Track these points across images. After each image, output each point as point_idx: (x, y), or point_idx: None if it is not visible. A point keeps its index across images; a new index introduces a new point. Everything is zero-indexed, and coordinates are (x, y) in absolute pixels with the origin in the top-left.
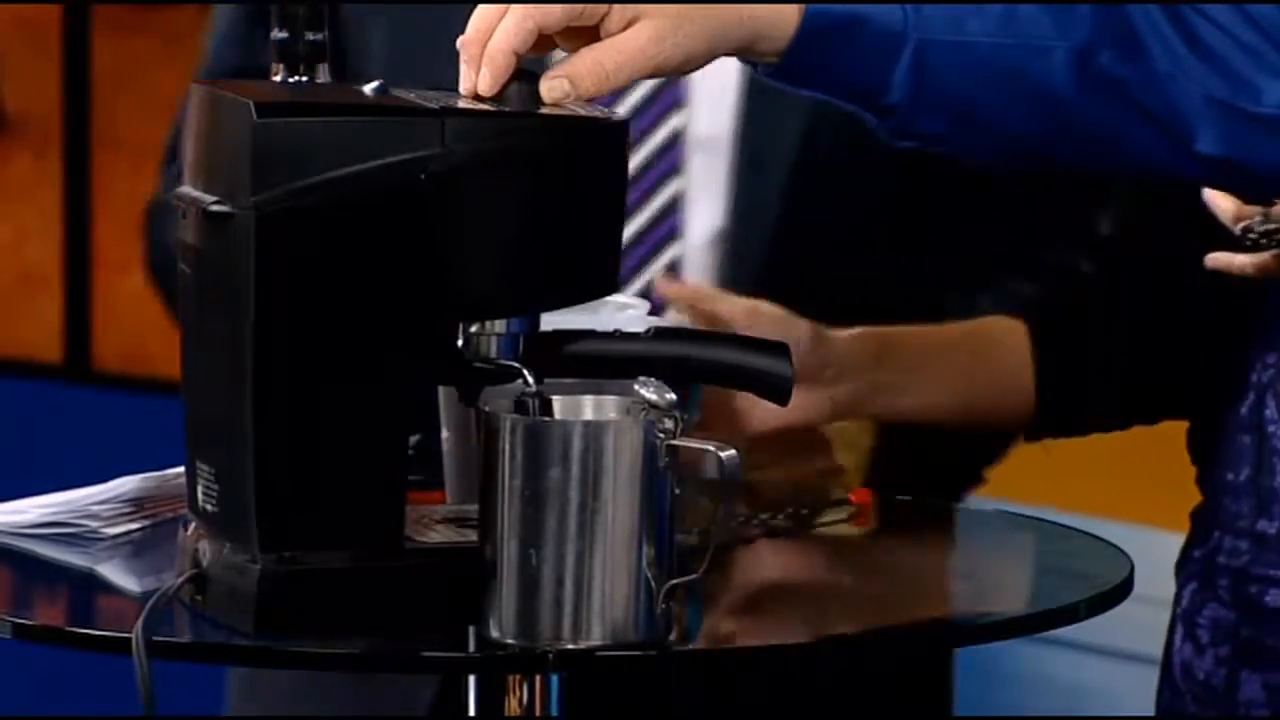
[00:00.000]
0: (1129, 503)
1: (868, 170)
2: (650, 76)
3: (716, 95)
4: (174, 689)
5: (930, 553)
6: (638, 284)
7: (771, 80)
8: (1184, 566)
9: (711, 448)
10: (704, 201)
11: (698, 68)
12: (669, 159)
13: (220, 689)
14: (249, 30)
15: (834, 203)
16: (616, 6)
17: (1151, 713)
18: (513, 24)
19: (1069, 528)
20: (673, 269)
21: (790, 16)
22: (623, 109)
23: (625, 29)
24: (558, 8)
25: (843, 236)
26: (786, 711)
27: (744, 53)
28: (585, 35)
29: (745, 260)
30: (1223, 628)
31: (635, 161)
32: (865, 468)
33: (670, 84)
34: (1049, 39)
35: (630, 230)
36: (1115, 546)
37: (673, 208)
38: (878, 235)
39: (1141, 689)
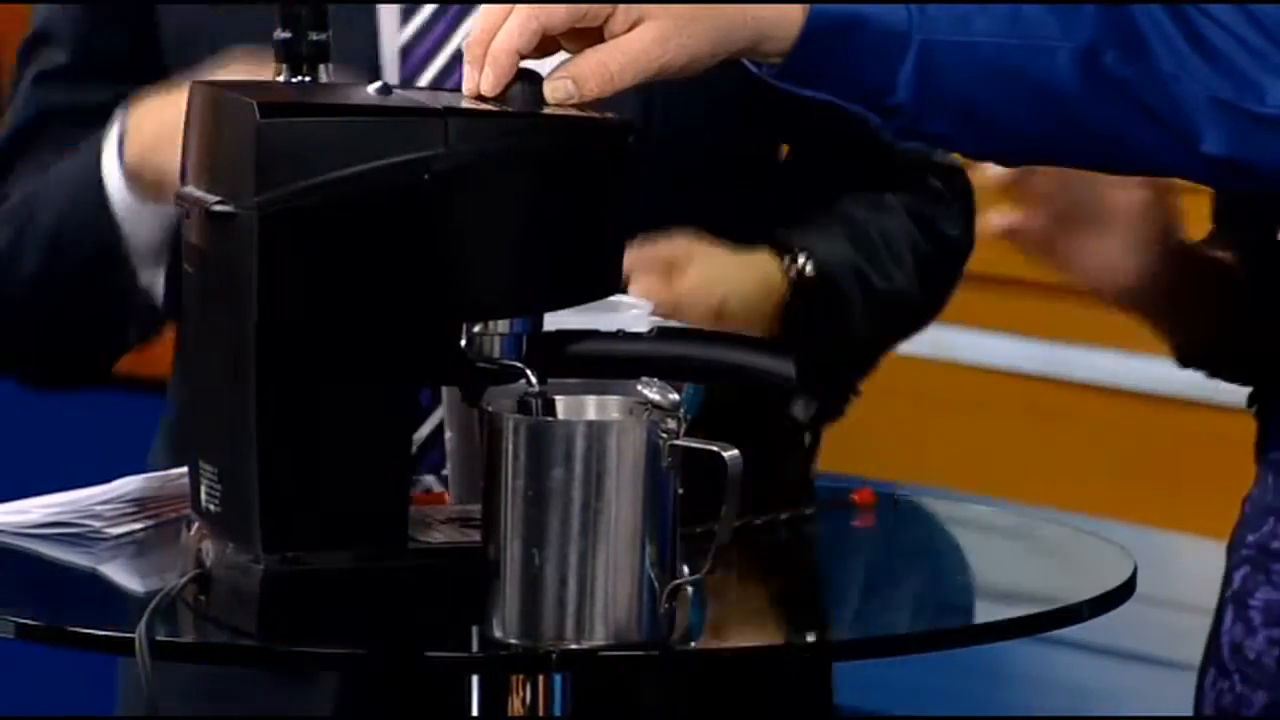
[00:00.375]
0: (1132, 503)
1: (689, 168)
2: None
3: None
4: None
5: (933, 553)
6: None
7: (776, 81)
8: (1235, 550)
9: (715, 448)
10: None
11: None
12: None
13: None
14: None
15: (655, 199)
16: (621, 7)
17: (1156, 712)
18: (517, 25)
19: (1072, 528)
20: None
21: (794, 17)
22: None
23: (629, 30)
24: (562, 8)
25: (676, 186)
26: (789, 711)
27: (748, 54)
28: (589, 37)
29: None
30: (1275, 611)
31: None
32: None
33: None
34: (1053, 39)
35: None
36: (1119, 547)
37: None
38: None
39: (1145, 689)
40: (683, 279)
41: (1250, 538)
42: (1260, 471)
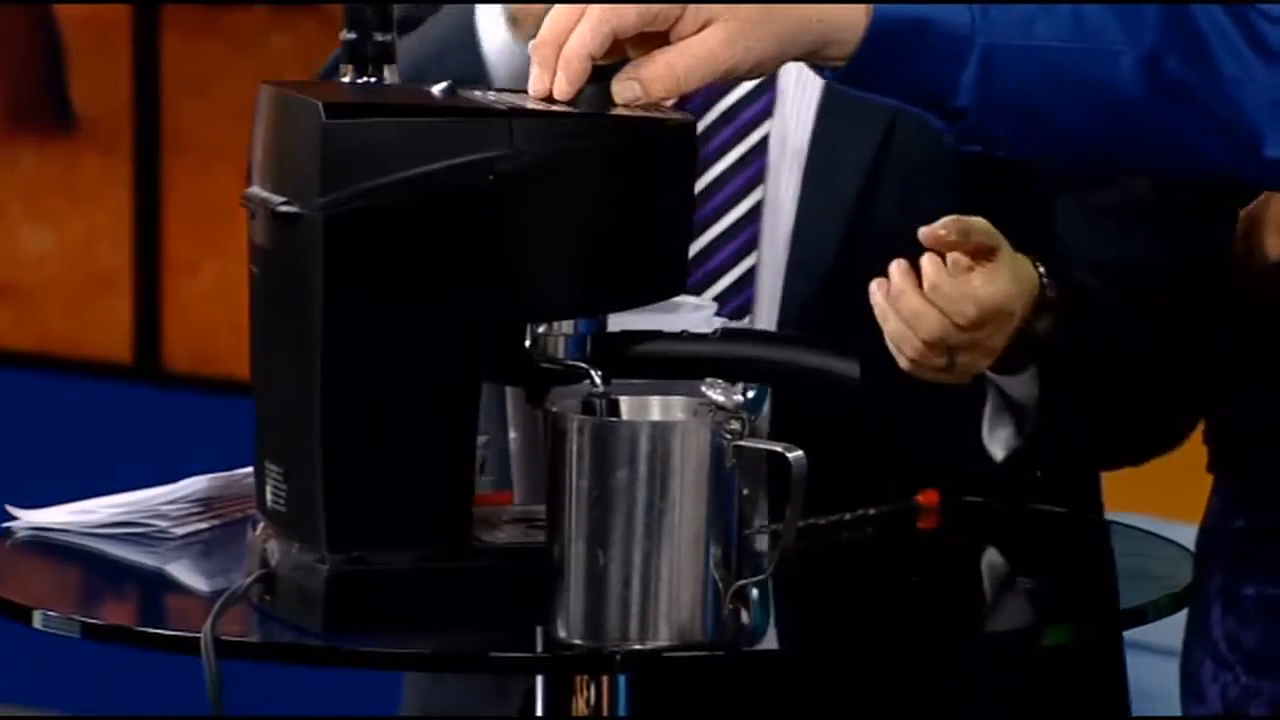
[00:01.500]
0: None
1: (934, 189)
2: (721, 80)
3: (800, 106)
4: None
5: (997, 555)
6: (715, 289)
7: (840, 85)
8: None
9: (779, 449)
10: (783, 209)
11: (768, 72)
12: (755, 166)
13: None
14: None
15: (899, 219)
16: (690, 9)
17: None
18: (589, 29)
19: (1136, 529)
20: (749, 278)
21: (858, 20)
22: (714, 114)
23: (697, 33)
24: (632, 10)
25: (904, 252)
26: (855, 712)
27: (813, 57)
28: (655, 41)
29: (809, 270)
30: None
31: (722, 167)
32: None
33: (761, 91)
34: (1116, 43)
35: (712, 235)
36: (1183, 548)
37: (755, 215)
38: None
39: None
40: (989, 270)
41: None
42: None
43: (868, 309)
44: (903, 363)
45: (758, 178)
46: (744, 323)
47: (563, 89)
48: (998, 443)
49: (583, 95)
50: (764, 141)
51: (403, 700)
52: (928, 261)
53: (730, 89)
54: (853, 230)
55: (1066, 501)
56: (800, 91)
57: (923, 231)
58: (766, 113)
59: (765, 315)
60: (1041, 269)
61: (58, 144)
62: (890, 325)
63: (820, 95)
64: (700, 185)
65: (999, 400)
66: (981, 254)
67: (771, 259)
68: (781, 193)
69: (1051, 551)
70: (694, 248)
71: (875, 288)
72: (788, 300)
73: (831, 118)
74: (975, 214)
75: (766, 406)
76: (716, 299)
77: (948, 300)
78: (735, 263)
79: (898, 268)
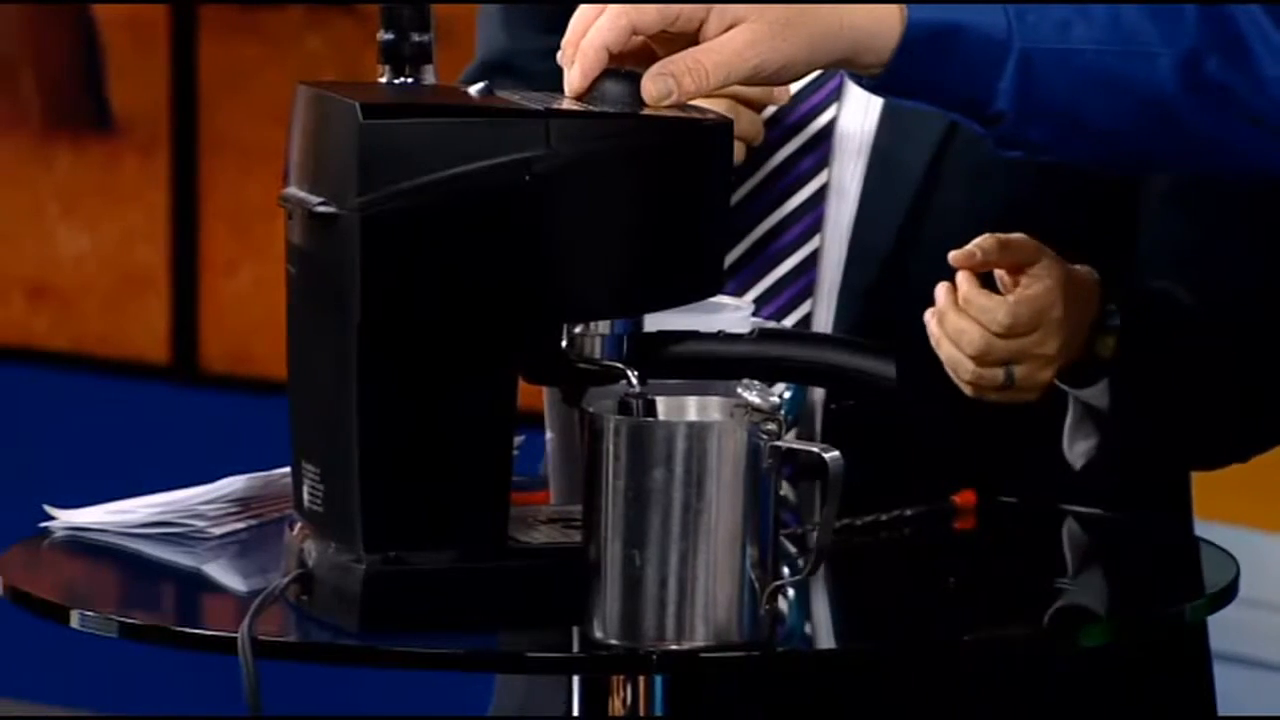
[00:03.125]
0: (1234, 506)
1: (998, 182)
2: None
3: (867, 93)
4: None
5: (1033, 556)
6: (777, 274)
7: (875, 92)
8: None
9: (816, 449)
10: (846, 196)
11: (797, 76)
12: (820, 152)
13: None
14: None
15: (961, 211)
16: (715, 10)
17: (1257, 714)
18: (606, 21)
19: (1174, 530)
20: (810, 261)
21: (892, 26)
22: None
23: (723, 34)
24: (652, 8)
25: (964, 242)
26: (891, 713)
27: (846, 65)
28: (683, 43)
29: (868, 260)
30: None
31: (787, 152)
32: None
33: (829, 77)
34: (1154, 45)
35: (776, 219)
36: (1221, 549)
37: (818, 200)
38: None
39: (1248, 692)
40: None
41: None
42: None
43: (926, 299)
44: (964, 388)
45: (822, 163)
46: (805, 309)
47: (575, 79)
48: (1078, 453)
49: (616, 95)
50: (829, 127)
51: (494, 701)
52: (960, 278)
53: None
54: (914, 219)
55: (1151, 508)
56: None
57: (953, 255)
58: (834, 97)
59: (825, 301)
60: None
61: (95, 145)
62: (944, 350)
63: None
64: (764, 170)
65: (1080, 410)
66: (1019, 269)
67: (833, 245)
68: (845, 179)
69: (1089, 552)
70: (757, 232)
71: (928, 315)
72: (847, 288)
73: (894, 110)
74: (1042, 205)
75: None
76: (778, 284)
77: (981, 310)
78: (797, 248)
79: (941, 289)
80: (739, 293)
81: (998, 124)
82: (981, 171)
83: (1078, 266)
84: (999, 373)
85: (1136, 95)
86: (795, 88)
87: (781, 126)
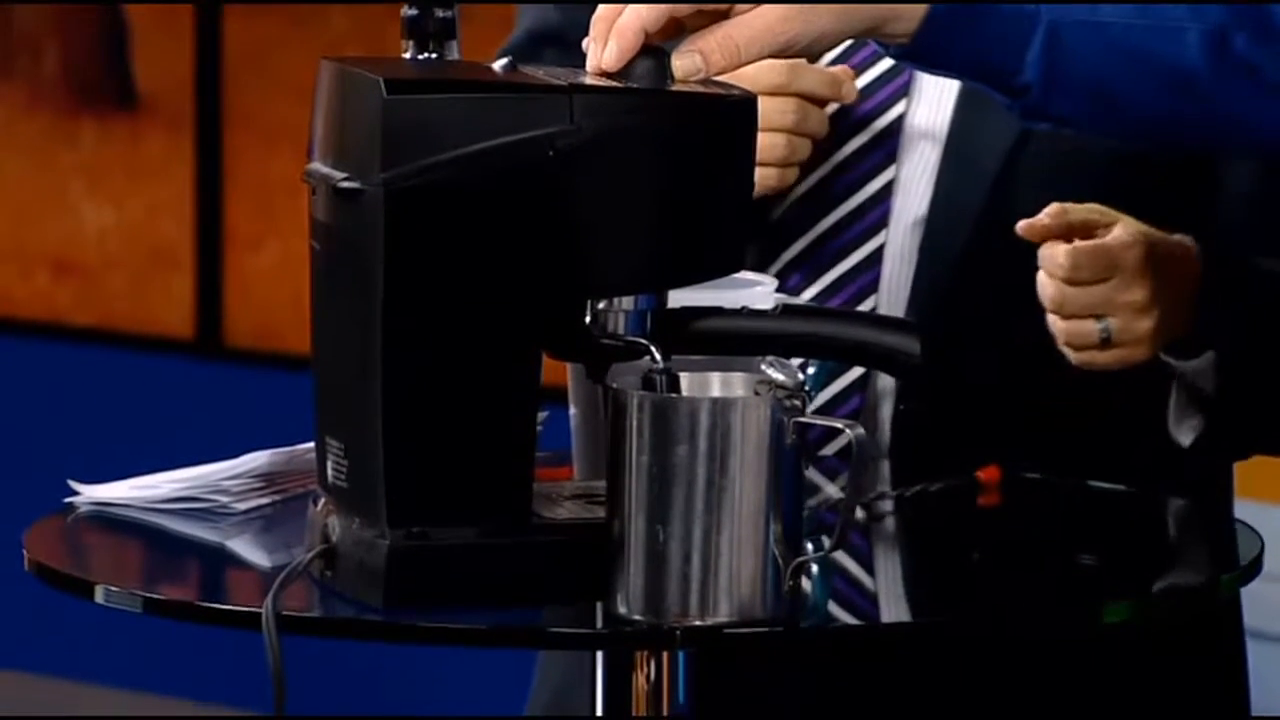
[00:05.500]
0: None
1: (1075, 177)
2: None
3: (939, 88)
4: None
5: (1058, 532)
6: (842, 268)
7: (902, 61)
8: None
9: (840, 425)
10: (914, 191)
11: (829, 47)
12: (887, 147)
13: None
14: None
15: (1036, 205)
16: None
17: None
18: (645, 3)
19: (1199, 507)
20: (876, 257)
21: None
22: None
23: (754, 9)
24: None
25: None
26: (918, 691)
27: (874, 34)
28: (713, 20)
29: (941, 252)
30: None
31: (855, 145)
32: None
33: (898, 73)
34: (1183, 20)
35: (841, 214)
36: (1246, 525)
37: (884, 195)
38: None
39: (1273, 668)
40: (1108, 227)
41: None
42: None
43: (999, 296)
44: (1069, 355)
45: (889, 158)
46: (869, 305)
47: (611, 58)
48: (1185, 432)
49: (643, 71)
50: (898, 121)
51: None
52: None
53: (872, 64)
54: (988, 216)
55: (1196, 487)
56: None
57: (1021, 225)
58: (902, 93)
59: (890, 296)
60: (1198, 249)
61: (120, 121)
62: (1051, 320)
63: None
64: (830, 164)
65: (1184, 392)
66: (1090, 233)
67: (899, 240)
68: (914, 174)
69: (1114, 529)
70: (821, 226)
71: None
72: (917, 284)
73: (973, 99)
74: (1120, 205)
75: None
76: (842, 278)
77: (1045, 259)
78: (862, 243)
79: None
80: (803, 287)
81: (1024, 96)
82: (1057, 169)
83: (1171, 235)
84: (1089, 325)
85: (1164, 70)
86: (862, 82)
87: (848, 121)
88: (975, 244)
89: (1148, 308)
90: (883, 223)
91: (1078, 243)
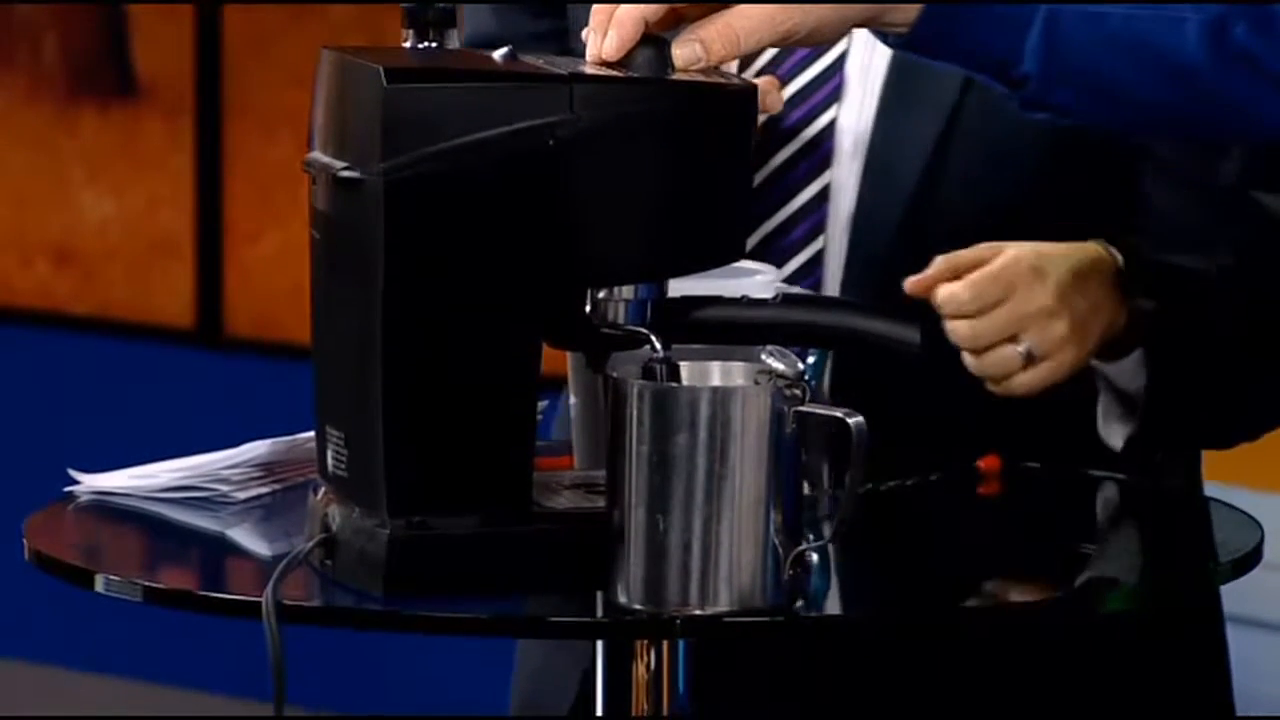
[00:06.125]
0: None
1: (996, 182)
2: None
3: (864, 91)
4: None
5: (1057, 521)
6: (785, 271)
7: (902, 50)
8: None
9: (840, 414)
10: (846, 195)
11: (828, 38)
12: (820, 152)
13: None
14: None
15: (961, 207)
16: None
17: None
18: None
19: (1200, 495)
20: (815, 262)
21: None
22: (784, 96)
23: None
24: None
25: (966, 242)
26: (918, 680)
27: (873, 23)
28: (705, 10)
29: (869, 261)
30: None
31: (791, 150)
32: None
33: (830, 75)
34: (1182, 10)
35: (781, 218)
36: (1245, 514)
37: (820, 200)
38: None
39: (1274, 656)
40: (995, 257)
41: None
42: None
43: (924, 302)
44: (995, 390)
45: (824, 164)
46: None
47: (611, 48)
48: (1115, 434)
49: (642, 61)
50: (829, 127)
51: (516, 666)
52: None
53: (800, 72)
54: (913, 218)
55: (1166, 474)
56: (864, 77)
57: (908, 283)
58: (835, 97)
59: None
60: (1114, 251)
61: (119, 109)
62: (968, 361)
63: (884, 82)
64: (766, 171)
65: (1111, 393)
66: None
67: (836, 245)
68: (845, 179)
69: (1113, 518)
70: (761, 232)
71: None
72: (848, 288)
73: (893, 104)
74: (1047, 200)
75: (828, 373)
76: (786, 282)
77: (947, 303)
78: (802, 247)
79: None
80: None
81: (1023, 86)
82: (981, 170)
83: (1076, 244)
84: (1009, 350)
85: (1163, 60)
86: (790, 90)
87: (779, 130)
88: (899, 250)
89: (1057, 310)
90: (820, 228)
91: (970, 275)
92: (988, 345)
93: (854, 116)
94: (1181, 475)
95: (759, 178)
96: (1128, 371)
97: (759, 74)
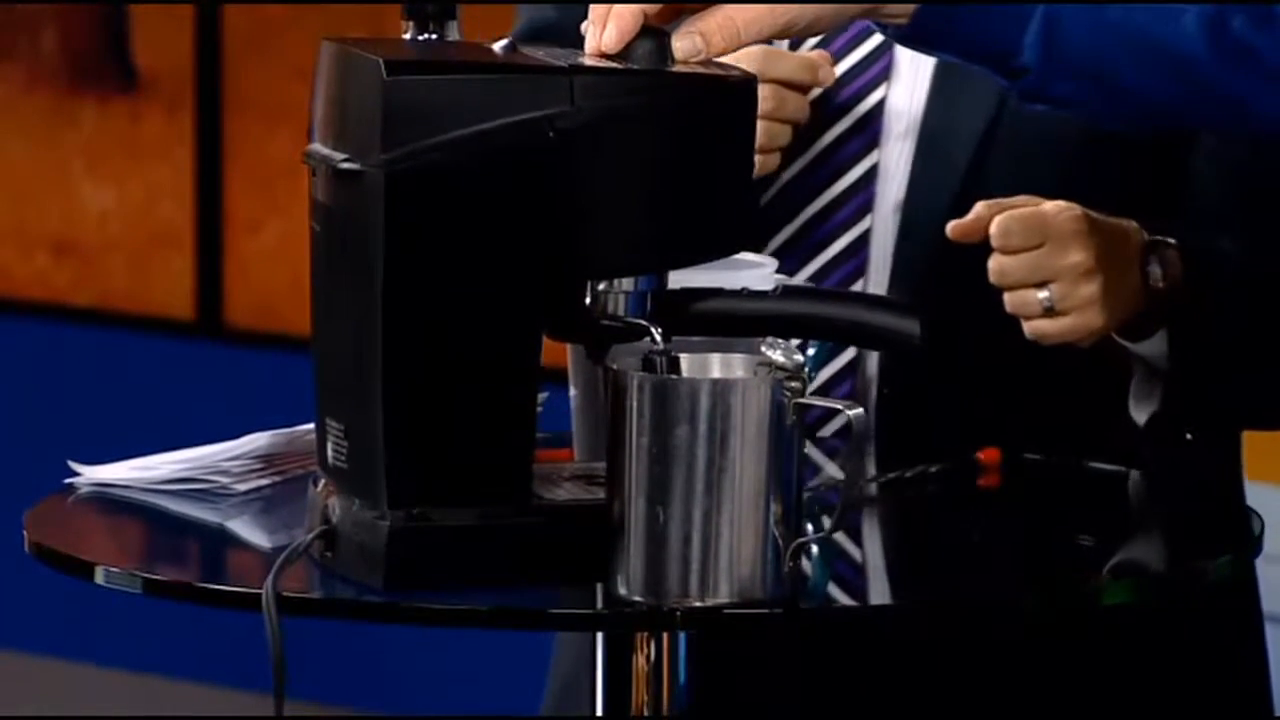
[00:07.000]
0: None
1: (1047, 160)
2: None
3: (915, 73)
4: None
5: (1058, 514)
6: (828, 254)
7: (900, 43)
8: None
9: (840, 406)
10: (895, 176)
11: (827, 29)
12: (869, 132)
13: None
14: None
15: (1010, 189)
16: None
17: None
18: None
19: (1200, 487)
20: (861, 242)
21: None
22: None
23: None
24: None
25: None
26: (918, 671)
27: (872, 15)
28: (712, 2)
29: (918, 241)
30: None
31: (837, 131)
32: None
33: (878, 57)
34: (1181, 3)
35: (827, 199)
36: (1249, 508)
37: (868, 180)
38: None
39: (1275, 648)
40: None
41: None
42: None
43: (976, 278)
44: (1026, 330)
45: (872, 143)
46: (857, 288)
47: (611, 39)
48: (1141, 411)
49: (642, 53)
50: (879, 106)
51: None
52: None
53: (851, 50)
54: (963, 199)
55: (1204, 470)
56: (914, 57)
57: (950, 227)
58: (883, 77)
59: (876, 281)
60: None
61: (120, 102)
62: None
63: (935, 63)
64: (813, 152)
65: (1144, 370)
66: None
67: (883, 225)
68: (894, 159)
69: (1114, 510)
70: (808, 211)
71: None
72: (898, 268)
73: (946, 85)
74: (1091, 187)
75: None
76: (829, 265)
77: (991, 236)
78: (848, 227)
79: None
80: (789, 274)
81: (1022, 78)
82: (1029, 152)
83: (1112, 218)
84: (1032, 295)
85: (1162, 52)
86: (843, 67)
87: (829, 108)
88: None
89: (1089, 273)
90: (867, 208)
91: (1009, 211)
92: (1013, 284)
93: (905, 97)
94: (1214, 467)
95: (809, 154)
96: (1161, 351)
97: (812, 49)
